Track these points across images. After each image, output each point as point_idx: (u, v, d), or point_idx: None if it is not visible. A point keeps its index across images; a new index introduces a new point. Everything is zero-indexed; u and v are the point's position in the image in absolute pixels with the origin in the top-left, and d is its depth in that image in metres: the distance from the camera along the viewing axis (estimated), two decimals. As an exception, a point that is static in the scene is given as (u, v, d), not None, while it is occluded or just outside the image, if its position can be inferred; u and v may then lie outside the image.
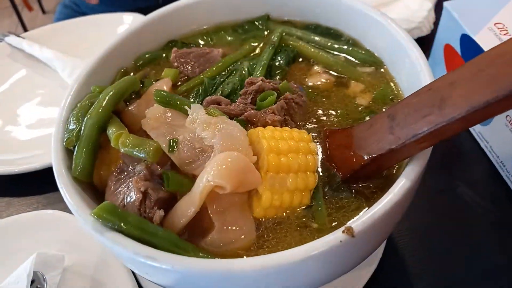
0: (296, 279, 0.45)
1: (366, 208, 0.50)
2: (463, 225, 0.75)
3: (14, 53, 1.23)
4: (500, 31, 0.79)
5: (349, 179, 0.53)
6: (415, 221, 0.74)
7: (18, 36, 1.24)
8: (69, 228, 0.79)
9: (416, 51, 0.58)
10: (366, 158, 0.50)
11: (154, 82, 0.68)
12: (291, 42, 0.74)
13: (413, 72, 0.58)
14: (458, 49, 0.84)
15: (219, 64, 0.70)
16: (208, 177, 0.47)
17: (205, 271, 0.43)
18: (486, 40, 0.78)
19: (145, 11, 1.05)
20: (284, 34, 0.75)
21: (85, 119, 0.56)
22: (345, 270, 0.50)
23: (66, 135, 0.56)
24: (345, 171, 0.54)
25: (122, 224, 0.46)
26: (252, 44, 0.76)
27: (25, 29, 3.11)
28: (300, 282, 0.46)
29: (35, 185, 0.93)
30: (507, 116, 0.74)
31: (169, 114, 0.55)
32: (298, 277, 0.45)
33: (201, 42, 0.78)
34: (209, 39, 0.78)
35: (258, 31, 0.78)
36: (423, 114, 0.44)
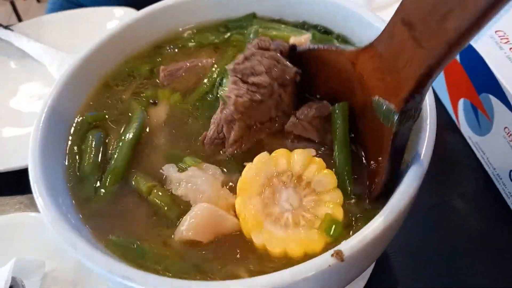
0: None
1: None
2: (457, 241, 0.73)
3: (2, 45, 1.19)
4: (501, 39, 0.76)
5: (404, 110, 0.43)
6: (406, 236, 0.71)
7: (6, 28, 1.20)
8: (50, 232, 0.76)
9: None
10: (412, 80, 0.41)
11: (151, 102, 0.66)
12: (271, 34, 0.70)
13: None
14: (457, 56, 0.82)
15: (213, 76, 0.67)
16: (183, 230, 0.48)
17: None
18: (487, 48, 0.75)
19: (139, 4, 1.01)
20: (259, 29, 0.72)
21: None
22: (334, 292, 0.48)
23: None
24: (396, 100, 0.43)
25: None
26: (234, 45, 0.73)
27: (20, 19, 3.05)
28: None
29: (18, 184, 0.90)
30: (505, 127, 0.72)
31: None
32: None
33: (189, 44, 0.75)
34: (193, 40, 0.75)
35: (241, 30, 0.75)
36: (443, 14, 0.36)
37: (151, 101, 0.66)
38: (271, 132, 0.57)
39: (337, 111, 0.53)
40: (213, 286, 0.41)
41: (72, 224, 0.48)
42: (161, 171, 0.55)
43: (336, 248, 0.40)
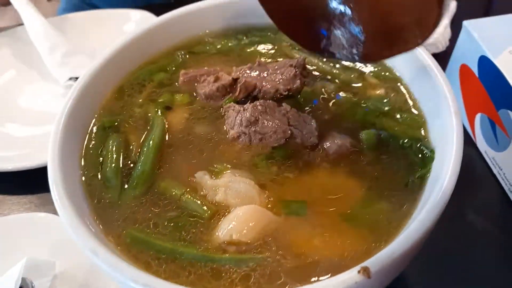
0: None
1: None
2: (473, 253, 0.72)
3: (10, 45, 1.18)
4: (521, 54, 0.76)
5: None
6: (422, 250, 0.71)
7: None
8: (62, 232, 0.75)
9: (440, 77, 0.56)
10: None
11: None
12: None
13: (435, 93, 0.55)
14: (475, 70, 0.81)
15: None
16: (229, 231, 0.48)
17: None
18: (506, 64, 0.75)
19: (155, 9, 1.01)
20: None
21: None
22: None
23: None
24: None
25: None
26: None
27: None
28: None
29: (28, 184, 0.89)
30: (524, 144, 0.71)
31: None
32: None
33: (209, 49, 0.75)
34: (212, 45, 0.75)
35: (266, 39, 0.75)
36: None
37: (168, 105, 0.66)
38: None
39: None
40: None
41: (90, 229, 0.47)
42: (192, 179, 0.55)
43: (363, 264, 0.40)
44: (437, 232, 0.73)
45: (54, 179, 0.51)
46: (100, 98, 0.66)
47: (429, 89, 0.58)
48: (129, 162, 0.58)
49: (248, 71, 0.65)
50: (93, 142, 0.61)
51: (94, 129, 0.62)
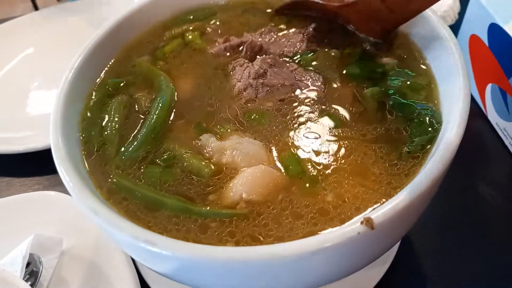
0: (304, 273, 0.41)
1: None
2: (483, 226, 0.70)
3: (23, 30, 1.20)
4: (533, 21, 0.74)
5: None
6: (432, 220, 0.69)
7: None
8: (70, 210, 0.76)
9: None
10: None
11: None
12: None
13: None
14: (485, 39, 0.79)
15: None
16: (241, 192, 0.48)
17: (207, 259, 0.39)
18: (517, 31, 0.73)
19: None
20: None
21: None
22: (359, 266, 0.46)
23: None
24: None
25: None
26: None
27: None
28: (308, 276, 0.43)
29: (36, 165, 0.90)
30: (535, 112, 0.69)
31: None
32: (307, 271, 0.41)
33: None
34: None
35: None
36: None
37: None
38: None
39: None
40: (233, 251, 0.39)
41: (92, 188, 0.47)
42: (198, 141, 0.54)
43: (366, 215, 0.39)
44: (447, 203, 0.72)
45: (55, 144, 0.50)
46: (106, 61, 0.67)
47: (440, 52, 0.57)
48: (133, 122, 0.57)
49: (258, 36, 0.66)
50: (96, 102, 0.61)
51: (98, 90, 0.63)
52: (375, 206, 0.45)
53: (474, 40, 0.83)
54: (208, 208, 0.47)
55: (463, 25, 0.87)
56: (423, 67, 0.59)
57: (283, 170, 0.50)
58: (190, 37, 0.69)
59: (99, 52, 0.64)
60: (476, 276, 0.64)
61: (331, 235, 0.38)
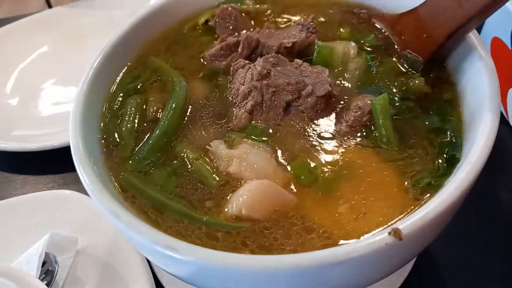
0: (325, 283, 0.41)
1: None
2: (504, 233, 0.68)
3: (38, 27, 1.21)
4: (558, 24, 0.72)
5: (430, 60, 0.57)
6: (452, 227, 0.67)
7: None
8: (85, 209, 0.76)
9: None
10: (443, 37, 0.53)
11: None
12: None
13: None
14: (508, 42, 0.77)
15: None
16: (238, 207, 0.46)
17: (226, 266, 0.39)
18: (543, 34, 0.71)
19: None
20: None
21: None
22: (383, 275, 0.45)
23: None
24: (425, 53, 0.57)
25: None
26: None
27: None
28: (333, 285, 0.42)
29: (51, 164, 0.90)
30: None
31: None
32: (329, 281, 0.40)
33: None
34: None
35: None
36: None
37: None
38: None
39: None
40: (256, 260, 0.39)
41: (111, 191, 0.47)
42: (208, 147, 0.53)
43: (394, 226, 0.38)
44: (468, 210, 0.70)
45: (75, 146, 0.50)
46: (123, 64, 0.66)
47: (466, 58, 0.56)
48: (147, 123, 0.57)
49: (255, 32, 0.64)
50: (113, 104, 0.61)
51: (114, 92, 0.62)
52: (398, 217, 0.44)
53: (496, 42, 0.81)
54: (208, 217, 0.47)
55: (485, 27, 0.85)
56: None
57: (292, 182, 0.49)
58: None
59: (117, 53, 0.63)
60: (497, 285, 0.63)
61: (358, 246, 0.37)
